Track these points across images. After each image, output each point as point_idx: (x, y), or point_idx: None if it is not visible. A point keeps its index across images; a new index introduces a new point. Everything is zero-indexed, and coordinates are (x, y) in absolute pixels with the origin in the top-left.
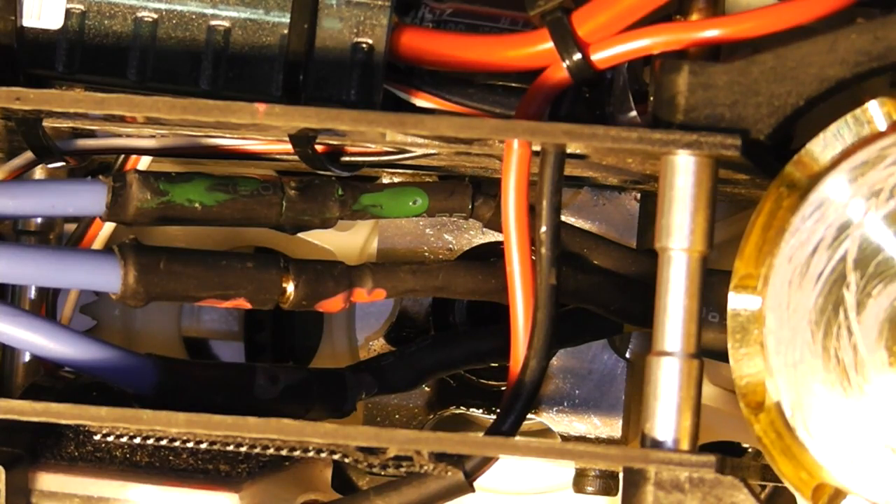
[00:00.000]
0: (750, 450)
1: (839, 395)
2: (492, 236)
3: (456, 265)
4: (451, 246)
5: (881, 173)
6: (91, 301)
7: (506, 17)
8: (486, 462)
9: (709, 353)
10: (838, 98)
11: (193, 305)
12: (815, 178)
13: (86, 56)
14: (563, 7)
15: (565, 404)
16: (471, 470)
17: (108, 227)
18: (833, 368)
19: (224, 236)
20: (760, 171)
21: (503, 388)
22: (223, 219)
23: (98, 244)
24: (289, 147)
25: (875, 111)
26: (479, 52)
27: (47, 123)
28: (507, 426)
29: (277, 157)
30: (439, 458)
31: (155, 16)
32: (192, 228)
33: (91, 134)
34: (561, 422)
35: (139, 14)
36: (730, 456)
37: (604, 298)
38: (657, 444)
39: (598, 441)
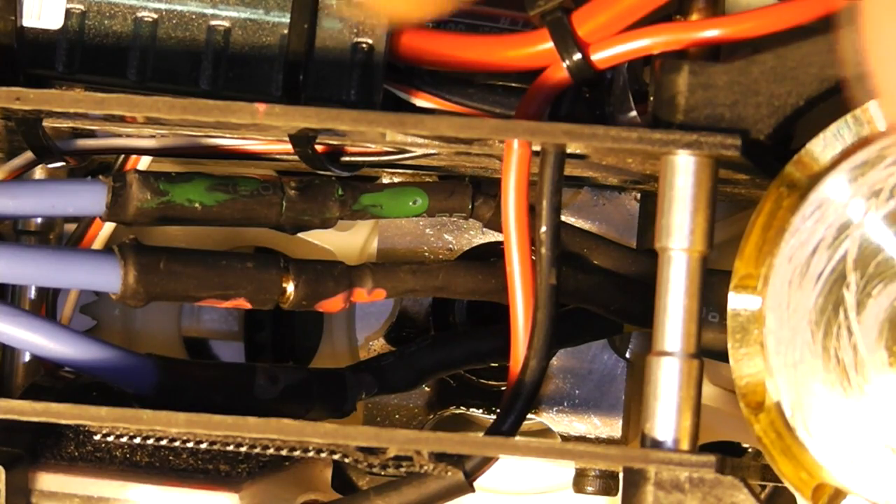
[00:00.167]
0: (750, 450)
1: (839, 395)
2: (492, 236)
3: (456, 265)
4: (451, 246)
5: (881, 173)
6: (91, 301)
7: (506, 17)
8: (486, 462)
9: (709, 353)
10: (838, 98)
11: (193, 305)
12: (815, 178)
13: (86, 56)
14: (563, 7)
15: (565, 404)
16: (471, 470)
17: (108, 227)
18: (833, 368)
19: (224, 236)
20: (760, 171)
21: (503, 388)
22: (223, 219)
23: (98, 244)
24: (289, 147)
25: (875, 111)
26: (479, 52)
27: (47, 123)
28: (507, 426)
29: (277, 157)
30: (439, 458)
31: (155, 16)
32: (192, 228)
33: (91, 134)
34: (561, 422)
35: (139, 14)
36: (730, 456)
37: (604, 298)
38: (657, 444)
39: (598, 441)
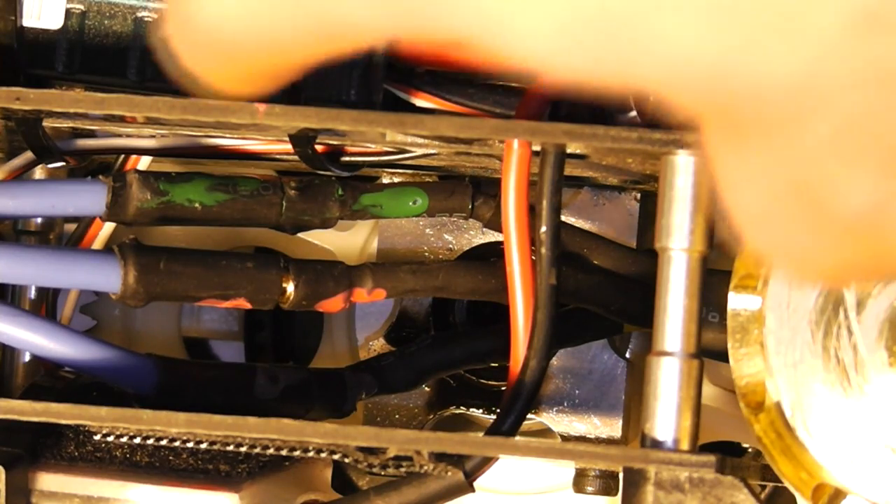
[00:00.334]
0: (750, 450)
1: (839, 395)
2: (492, 236)
3: (456, 265)
4: (451, 246)
5: None
6: (91, 301)
7: None
8: (486, 462)
9: (709, 353)
10: None
11: (193, 305)
12: None
13: (86, 56)
14: None
15: (565, 404)
16: (471, 470)
17: (108, 227)
18: (833, 368)
19: (224, 236)
20: None
21: (503, 388)
22: (223, 219)
23: (98, 244)
24: (289, 147)
25: None
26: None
27: (47, 123)
28: (507, 426)
29: (277, 157)
30: (439, 458)
31: (155, 16)
32: (192, 228)
33: (91, 134)
34: (561, 422)
35: (139, 14)
36: (730, 456)
37: (604, 298)
38: (657, 444)
39: (598, 441)
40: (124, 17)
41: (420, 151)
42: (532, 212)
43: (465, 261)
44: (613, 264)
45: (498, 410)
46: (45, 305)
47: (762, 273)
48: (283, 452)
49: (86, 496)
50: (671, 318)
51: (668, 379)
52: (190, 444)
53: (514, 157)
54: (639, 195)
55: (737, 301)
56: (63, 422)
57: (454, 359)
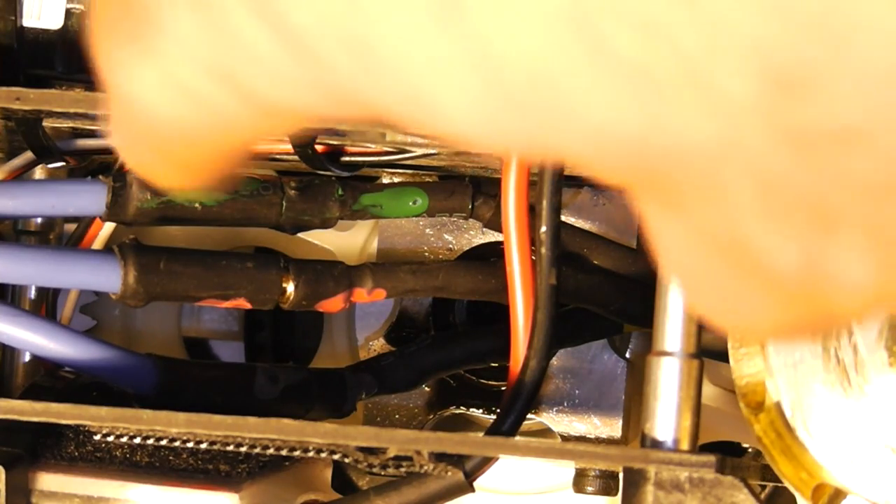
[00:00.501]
0: (750, 450)
1: (839, 395)
2: (492, 236)
3: (456, 265)
4: (451, 246)
5: None
6: (91, 301)
7: None
8: (486, 462)
9: (709, 353)
10: None
11: (193, 305)
12: None
13: (86, 56)
14: None
15: (565, 404)
16: (471, 470)
17: (108, 227)
18: (833, 368)
19: (224, 236)
20: None
21: (503, 388)
22: (223, 219)
23: (98, 244)
24: (289, 147)
25: None
26: None
27: (47, 123)
28: (507, 426)
29: (277, 157)
30: (439, 458)
31: None
32: (192, 228)
33: (91, 134)
34: (561, 422)
35: None
36: (730, 456)
37: (604, 298)
38: (657, 444)
39: (598, 441)
40: None
41: (420, 151)
42: (532, 212)
43: (465, 261)
44: (613, 264)
45: (498, 410)
46: (45, 305)
47: None
48: (283, 452)
49: (86, 496)
50: (671, 318)
51: (668, 379)
52: (190, 444)
53: (514, 157)
54: None
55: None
56: (63, 422)
57: (454, 359)
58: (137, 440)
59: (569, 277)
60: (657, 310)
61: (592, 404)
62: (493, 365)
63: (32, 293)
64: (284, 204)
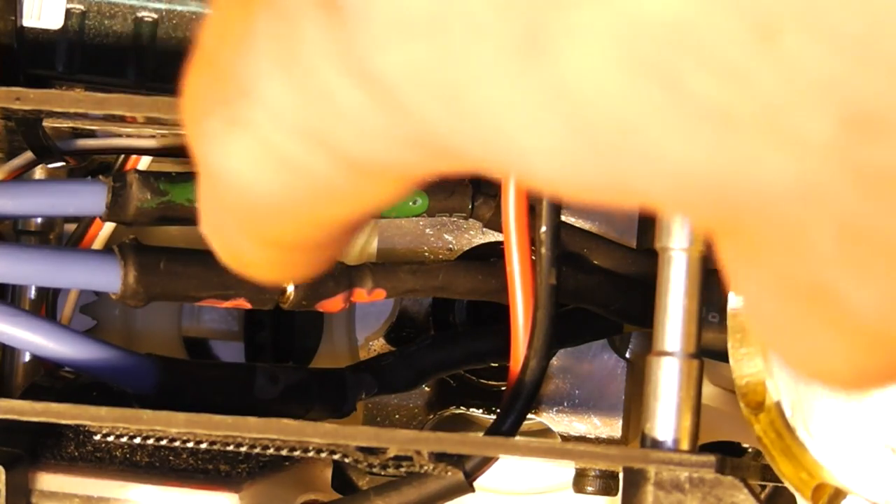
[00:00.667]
0: (750, 450)
1: (839, 395)
2: (492, 236)
3: (456, 265)
4: (451, 246)
5: None
6: (91, 301)
7: None
8: (486, 462)
9: (709, 353)
10: None
11: (193, 305)
12: None
13: (86, 56)
14: None
15: (565, 404)
16: (471, 470)
17: (108, 227)
18: None
19: None
20: None
21: (503, 388)
22: None
23: (98, 244)
24: None
25: None
26: None
27: (47, 123)
28: (507, 426)
29: None
30: (439, 458)
31: (155, 16)
32: (192, 228)
33: (91, 134)
34: (561, 422)
35: (139, 14)
36: (730, 456)
37: (604, 298)
38: (657, 444)
39: (598, 441)
40: (124, 17)
41: None
42: (532, 212)
43: (465, 261)
44: (613, 264)
45: (498, 410)
46: (45, 305)
47: None
48: (283, 452)
49: (86, 496)
50: (671, 318)
51: (668, 379)
52: (190, 444)
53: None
54: None
55: (737, 301)
56: (63, 422)
57: (454, 359)
58: (137, 440)
59: (569, 277)
60: (657, 310)
61: (592, 404)
62: (493, 365)
63: (32, 293)
64: None
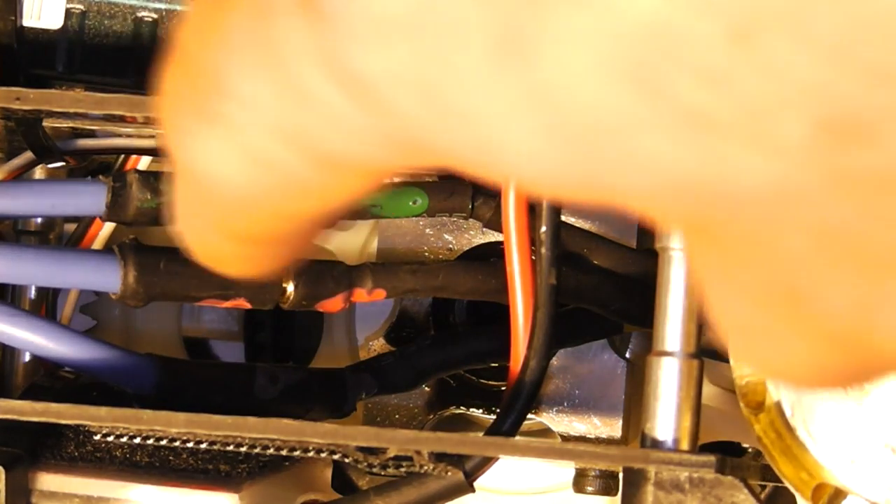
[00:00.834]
0: (750, 450)
1: (839, 395)
2: (492, 236)
3: (456, 265)
4: (451, 246)
5: None
6: (91, 301)
7: None
8: (486, 462)
9: (709, 353)
10: None
11: (193, 305)
12: None
13: (86, 56)
14: None
15: (565, 404)
16: (471, 470)
17: (108, 227)
18: None
19: None
20: None
21: (503, 388)
22: None
23: (98, 244)
24: None
25: None
26: None
27: (47, 123)
28: (507, 426)
29: None
30: (439, 458)
31: (155, 16)
32: None
33: (91, 134)
34: (561, 422)
35: (139, 14)
36: (730, 456)
37: (604, 298)
38: (657, 444)
39: (598, 441)
40: (124, 17)
41: None
42: (532, 212)
43: (465, 261)
44: (613, 264)
45: (498, 410)
46: (45, 305)
47: None
48: (283, 452)
49: (86, 496)
50: (671, 318)
51: (668, 379)
52: (190, 444)
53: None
54: None
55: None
56: (63, 422)
57: (454, 359)
58: (137, 440)
59: (569, 277)
60: (657, 310)
61: (592, 404)
62: (493, 365)
63: (32, 293)
64: None
